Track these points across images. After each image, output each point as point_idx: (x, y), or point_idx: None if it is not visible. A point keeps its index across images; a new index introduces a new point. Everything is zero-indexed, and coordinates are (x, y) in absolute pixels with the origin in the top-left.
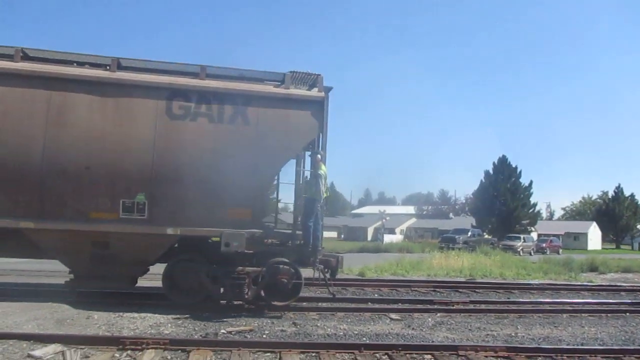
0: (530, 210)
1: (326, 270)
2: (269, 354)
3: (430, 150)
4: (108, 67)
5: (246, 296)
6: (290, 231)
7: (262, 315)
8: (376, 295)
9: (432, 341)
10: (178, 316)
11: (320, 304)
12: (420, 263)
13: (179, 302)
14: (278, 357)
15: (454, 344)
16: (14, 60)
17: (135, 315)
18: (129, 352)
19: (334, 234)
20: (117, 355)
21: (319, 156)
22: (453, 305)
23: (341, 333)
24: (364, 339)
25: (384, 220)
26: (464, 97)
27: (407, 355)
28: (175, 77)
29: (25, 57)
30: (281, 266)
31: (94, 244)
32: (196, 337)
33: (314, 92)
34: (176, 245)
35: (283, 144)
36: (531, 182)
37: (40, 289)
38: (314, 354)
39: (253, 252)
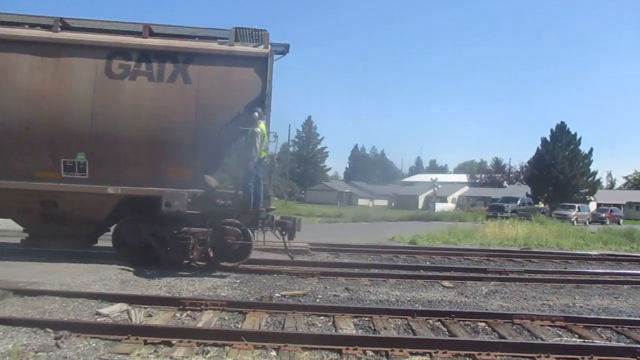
0: (590, 179)
1: (284, 232)
2: (322, 317)
3: (481, 118)
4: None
5: (191, 256)
6: (233, 191)
7: (316, 281)
8: (428, 263)
9: (486, 309)
10: (234, 280)
11: (372, 270)
12: (473, 232)
13: (129, 261)
14: (332, 320)
15: (508, 312)
16: None
17: (194, 278)
18: (188, 312)
19: (384, 202)
20: (178, 315)
21: (256, 114)
22: (507, 274)
23: (393, 299)
24: (417, 305)
25: (435, 188)
26: (521, 62)
27: (461, 322)
28: (117, 35)
29: None
30: (228, 227)
31: (42, 203)
32: (252, 299)
33: (258, 49)
34: (126, 205)
35: (225, 101)
36: (591, 150)
37: (106, 252)
38: (367, 319)
39: (200, 212)
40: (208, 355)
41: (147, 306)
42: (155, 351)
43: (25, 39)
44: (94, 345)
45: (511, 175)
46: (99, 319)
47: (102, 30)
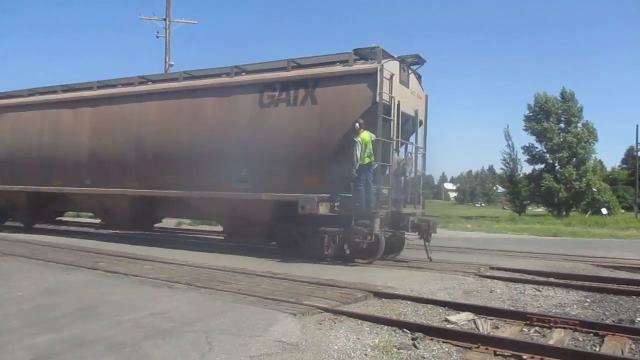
0: None
1: (424, 235)
2: None
3: None
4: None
5: (326, 252)
6: (349, 195)
7: None
8: None
9: None
10: (583, 298)
11: None
12: None
13: (282, 253)
14: None
15: None
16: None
17: (537, 293)
18: (536, 328)
19: None
20: (525, 329)
21: (356, 125)
22: None
23: None
24: None
25: None
26: None
27: None
28: (267, 73)
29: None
30: (355, 227)
31: (227, 208)
32: (608, 321)
33: (370, 65)
34: (283, 209)
35: (342, 116)
36: None
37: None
38: None
39: (333, 214)
40: None
41: (492, 317)
42: None
43: (209, 85)
44: (446, 349)
45: None
46: (448, 326)
47: (264, 70)
